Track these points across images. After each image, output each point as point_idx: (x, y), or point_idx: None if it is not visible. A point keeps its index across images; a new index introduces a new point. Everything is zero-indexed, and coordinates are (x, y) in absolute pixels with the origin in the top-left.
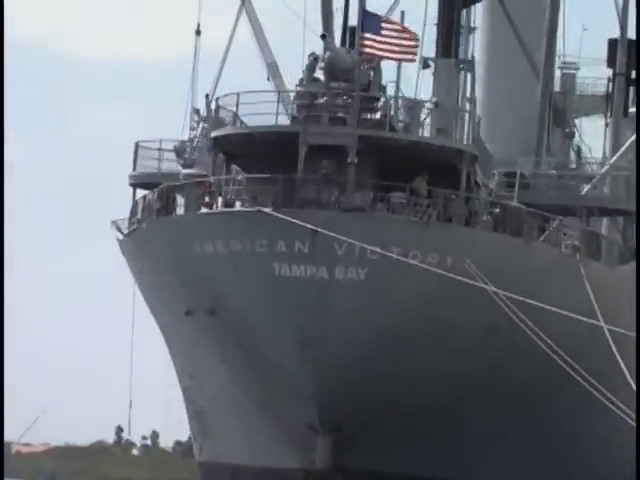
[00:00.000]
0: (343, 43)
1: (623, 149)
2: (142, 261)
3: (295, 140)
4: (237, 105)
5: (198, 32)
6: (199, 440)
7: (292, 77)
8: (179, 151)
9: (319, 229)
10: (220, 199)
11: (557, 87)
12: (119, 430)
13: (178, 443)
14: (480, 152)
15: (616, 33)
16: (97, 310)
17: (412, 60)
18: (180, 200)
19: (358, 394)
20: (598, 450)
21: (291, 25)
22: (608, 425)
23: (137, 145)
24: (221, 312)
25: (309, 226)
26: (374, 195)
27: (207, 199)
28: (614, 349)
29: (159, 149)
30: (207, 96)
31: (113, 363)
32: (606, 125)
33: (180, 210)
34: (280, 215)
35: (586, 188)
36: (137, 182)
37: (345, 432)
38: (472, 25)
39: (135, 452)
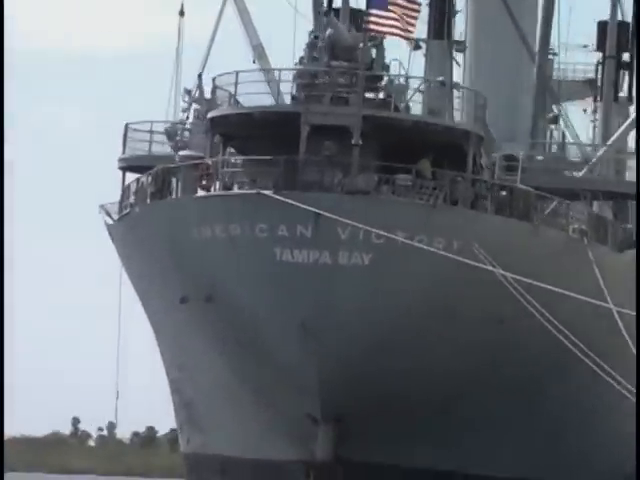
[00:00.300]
0: None
1: (619, 133)
2: (133, 246)
3: (296, 120)
4: (235, 84)
5: (182, 13)
6: (186, 431)
7: (278, 61)
8: (170, 133)
9: (322, 212)
10: (218, 182)
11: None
12: (75, 421)
13: (135, 434)
14: (484, 134)
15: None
16: (75, 296)
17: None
18: (175, 183)
19: (361, 384)
20: (605, 438)
21: (277, 10)
22: (616, 408)
23: (126, 127)
24: (218, 299)
25: (312, 209)
26: (378, 177)
27: (204, 182)
28: (624, 332)
29: (150, 131)
30: (200, 76)
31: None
32: (584, 110)
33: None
34: (281, 198)
35: (582, 171)
36: (127, 165)
37: (346, 423)
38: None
39: (92, 443)
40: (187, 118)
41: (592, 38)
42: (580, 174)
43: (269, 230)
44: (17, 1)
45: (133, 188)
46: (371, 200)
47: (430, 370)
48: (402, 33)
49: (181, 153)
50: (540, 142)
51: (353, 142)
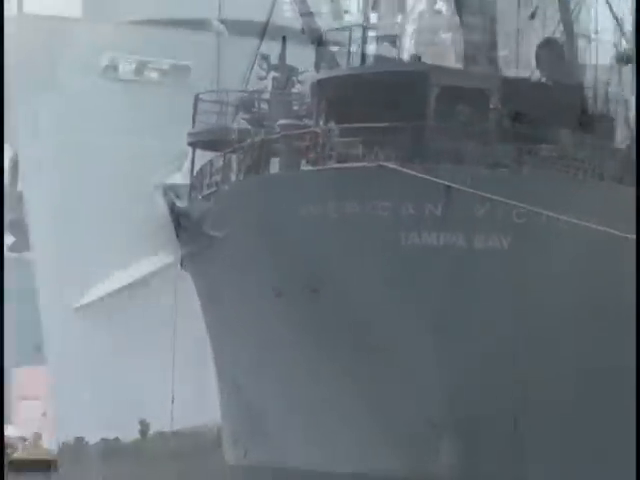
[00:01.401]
0: None
1: None
2: (214, 230)
3: (422, 82)
4: (349, 42)
5: None
6: (244, 442)
7: None
8: (247, 104)
9: (456, 186)
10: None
11: None
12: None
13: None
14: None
15: None
16: None
17: None
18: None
19: (496, 392)
20: None
21: None
22: None
23: (197, 98)
24: (327, 290)
25: (444, 182)
26: (518, 148)
27: (311, 154)
28: None
29: (222, 102)
30: (284, 39)
31: None
32: None
33: (275, 168)
34: (408, 171)
35: None
36: (197, 140)
37: (473, 435)
38: None
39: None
40: (266, 87)
41: None
42: None
43: (392, 209)
44: None
45: (217, 164)
46: (512, 174)
47: (573, 378)
48: None
49: (281, 122)
50: None
51: (492, 106)
